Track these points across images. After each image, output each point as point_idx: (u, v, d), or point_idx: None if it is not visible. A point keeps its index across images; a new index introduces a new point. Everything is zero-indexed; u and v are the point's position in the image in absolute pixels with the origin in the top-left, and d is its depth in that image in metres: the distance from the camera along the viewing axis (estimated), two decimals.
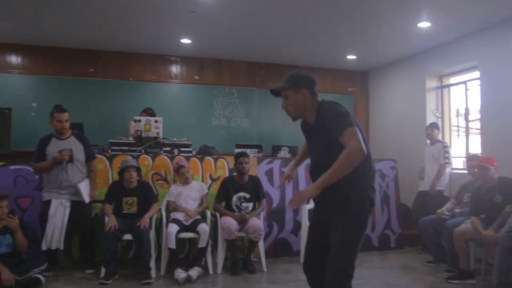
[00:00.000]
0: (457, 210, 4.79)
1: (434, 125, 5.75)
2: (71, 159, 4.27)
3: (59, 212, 4.18)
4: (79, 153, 4.35)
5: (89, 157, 4.45)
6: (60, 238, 4.16)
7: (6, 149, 5.35)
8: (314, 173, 2.39)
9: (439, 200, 5.33)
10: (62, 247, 4.19)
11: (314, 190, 2.13)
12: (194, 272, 4.15)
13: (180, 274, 4.06)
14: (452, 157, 5.77)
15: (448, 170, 5.53)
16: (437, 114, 6.48)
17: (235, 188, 4.67)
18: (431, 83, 6.56)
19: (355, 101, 7.99)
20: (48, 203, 4.21)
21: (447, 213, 4.79)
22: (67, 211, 4.22)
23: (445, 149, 5.48)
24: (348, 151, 2.10)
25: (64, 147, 4.28)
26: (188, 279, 4.08)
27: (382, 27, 5.52)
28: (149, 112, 5.94)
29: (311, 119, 2.40)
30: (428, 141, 5.78)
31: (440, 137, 5.87)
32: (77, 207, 4.27)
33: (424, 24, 5.32)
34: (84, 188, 4.32)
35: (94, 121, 6.23)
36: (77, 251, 4.54)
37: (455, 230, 4.33)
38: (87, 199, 4.31)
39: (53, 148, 4.26)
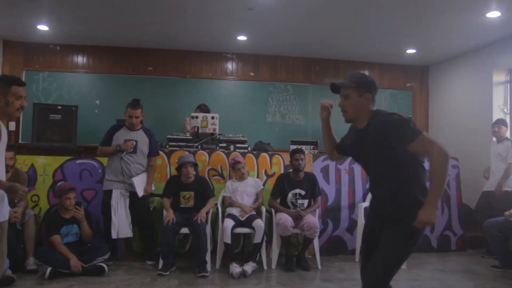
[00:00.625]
0: None
1: (501, 122, 5.41)
2: (134, 150, 4.45)
3: (120, 202, 4.38)
4: (144, 146, 4.52)
5: (152, 153, 4.61)
6: (128, 226, 4.38)
7: (73, 144, 5.67)
8: (374, 183, 2.38)
9: (506, 201, 5.01)
10: (131, 235, 4.41)
11: (433, 212, 2.07)
12: (249, 267, 4.19)
13: (235, 268, 4.11)
14: None
15: None
16: (505, 110, 6.10)
17: (290, 185, 4.65)
18: (499, 77, 6.18)
19: (414, 96, 7.69)
20: (109, 193, 4.41)
21: None
22: (127, 201, 4.41)
23: None
24: (437, 160, 2.05)
25: (132, 138, 4.47)
26: (243, 274, 4.12)
27: (445, 19, 5.27)
28: (203, 108, 6.05)
29: (361, 125, 2.33)
30: (494, 139, 5.45)
31: (508, 135, 5.52)
32: (135, 198, 4.44)
33: (493, 14, 5.01)
34: (140, 182, 4.46)
35: (152, 118, 6.42)
36: (136, 242, 4.72)
37: None
38: (140, 193, 4.43)
39: (121, 136, 4.47)
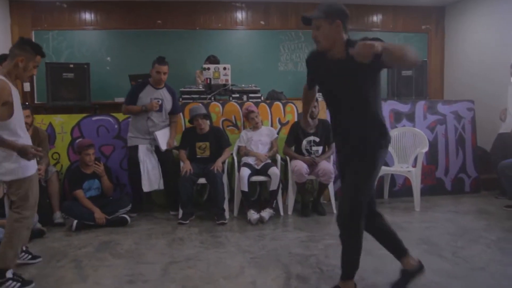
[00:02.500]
0: None
1: None
2: (160, 109, 4.51)
3: (148, 156, 4.49)
4: (168, 104, 4.59)
5: (175, 110, 4.69)
6: (159, 179, 4.52)
7: (88, 102, 5.73)
8: (347, 113, 2.45)
9: None
10: (162, 187, 4.55)
11: (379, 45, 2.05)
12: (266, 213, 4.32)
13: (253, 215, 4.25)
14: None
15: None
16: None
17: (304, 132, 4.67)
18: None
19: (429, 39, 7.48)
20: (134, 148, 4.50)
21: None
22: (154, 154, 4.54)
23: None
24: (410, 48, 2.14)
25: (156, 96, 4.52)
26: (261, 220, 4.26)
27: None
28: (212, 60, 6.00)
29: (338, 54, 2.37)
30: None
31: None
32: (159, 151, 4.54)
33: None
34: (163, 136, 4.55)
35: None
36: (159, 194, 4.85)
37: None
38: (164, 147, 4.53)
39: (146, 95, 4.50)
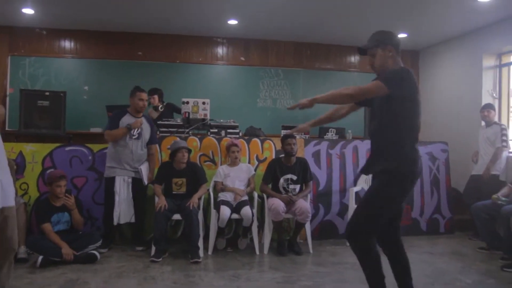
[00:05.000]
0: None
1: (490, 106, 5.46)
2: (139, 136, 4.48)
3: (123, 188, 4.40)
4: (147, 133, 4.57)
5: (153, 140, 4.67)
6: (129, 212, 4.41)
7: (62, 131, 5.60)
8: (373, 135, 2.70)
9: (493, 184, 5.09)
10: (133, 220, 4.44)
11: (308, 100, 2.58)
12: (242, 243, 4.50)
13: (220, 242, 4.53)
14: (510, 140, 5.48)
15: (505, 153, 5.26)
16: (494, 95, 6.15)
17: (282, 170, 4.66)
18: (489, 62, 6.21)
19: None
20: (111, 180, 4.41)
21: (504, 198, 4.56)
22: (130, 186, 4.44)
23: (502, 132, 5.21)
24: (354, 88, 2.52)
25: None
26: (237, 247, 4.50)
27: (437, 2, 5.24)
28: (159, 93, 5.91)
29: None
30: (483, 123, 5.51)
31: (496, 119, 5.58)
32: (137, 184, 4.47)
33: None
34: (145, 170, 4.51)
35: None
36: (128, 228, 4.71)
37: None
38: (146, 181, 4.50)
39: (127, 121, 4.46)
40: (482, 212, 4.71)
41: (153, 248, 4.23)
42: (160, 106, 5.82)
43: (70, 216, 4.18)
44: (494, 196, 4.62)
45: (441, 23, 6.11)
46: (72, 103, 6.23)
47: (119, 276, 3.69)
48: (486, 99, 6.06)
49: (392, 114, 2.55)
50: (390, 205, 2.56)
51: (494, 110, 5.48)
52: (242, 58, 7.14)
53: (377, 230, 2.57)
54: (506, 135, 5.22)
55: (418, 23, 6.15)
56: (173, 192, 4.51)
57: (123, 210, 4.38)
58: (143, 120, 4.57)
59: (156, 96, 5.87)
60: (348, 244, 2.64)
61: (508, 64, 6.12)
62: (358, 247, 2.56)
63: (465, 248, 4.87)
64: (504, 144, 5.19)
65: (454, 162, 5.88)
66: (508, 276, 3.90)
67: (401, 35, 6.73)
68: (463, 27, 6.24)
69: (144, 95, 4.55)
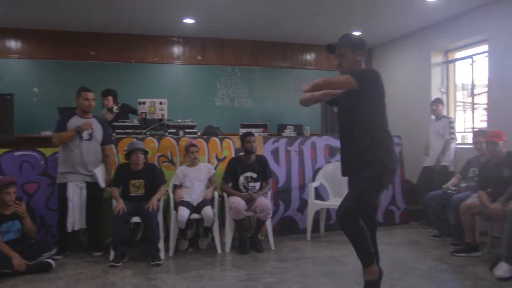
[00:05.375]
0: (463, 185, 4.79)
1: (439, 101, 5.70)
2: (90, 137, 4.33)
3: (76, 194, 4.25)
4: (99, 134, 4.42)
5: (106, 141, 4.52)
6: (82, 218, 4.26)
7: (10, 135, 5.35)
8: (345, 135, 2.92)
9: (444, 175, 5.33)
10: (84, 226, 4.29)
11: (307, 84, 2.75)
12: (203, 243, 4.54)
13: (183, 243, 4.51)
14: (457, 132, 5.75)
15: (453, 145, 5.52)
16: (442, 90, 6.43)
17: (242, 168, 4.67)
18: (437, 58, 6.49)
19: None
20: (63, 186, 4.26)
21: (453, 188, 4.79)
22: (84, 191, 4.29)
23: (450, 125, 5.45)
24: (324, 79, 2.71)
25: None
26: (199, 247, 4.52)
27: (388, 2, 5.42)
28: (114, 94, 5.79)
29: None
30: (433, 117, 5.75)
31: (445, 113, 5.83)
32: (91, 189, 4.33)
33: None
34: (101, 173, 4.38)
35: (97, 105, 6.10)
36: (84, 234, 4.56)
37: (462, 204, 4.34)
38: (103, 184, 4.39)
39: (75, 123, 4.30)
40: (433, 201, 4.92)
41: (112, 253, 4.12)
42: (115, 107, 5.67)
43: (22, 224, 3.98)
44: (445, 185, 4.85)
45: (392, 22, 6.32)
46: (21, 106, 5.97)
47: (76, 283, 3.56)
48: (435, 94, 6.33)
49: (363, 113, 2.74)
50: (379, 193, 2.86)
51: (443, 104, 5.73)
52: (199, 57, 7.08)
53: (364, 212, 2.85)
54: (453, 127, 5.47)
55: (370, 22, 6.33)
56: (131, 194, 4.40)
57: (77, 217, 4.24)
58: (94, 120, 4.42)
59: (110, 98, 5.72)
60: (341, 227, 2.84)
61: (454, 61, 6.41)
62: (351, 229, 2.77)
63: (420, 237, 5.07)
64: (452, 136, 5.44)
65: (407, 155, 6.09)
66: (459, 260, 4.11)
67: (355, 33, 6.89)
68: (413, 26, 6.49)
69: (90, 95, 4.39)
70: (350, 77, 2.66)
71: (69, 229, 4.21)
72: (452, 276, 3.74)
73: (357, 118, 2.80)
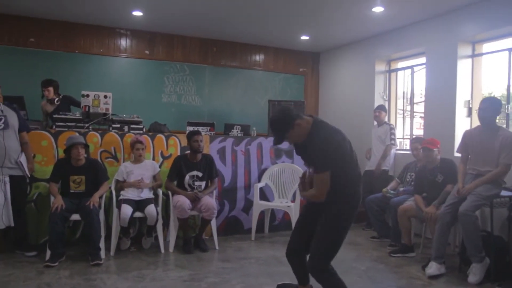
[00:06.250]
0: (401, 189, 5.03)
1: (381, 108, 5.95)
2: (6, 126, 4.01)
3: (0, 190, 3.94)
4: (14, 121, 4.10)
5: (22, 128, 4.21)
6: (9, 215, 3.96)
7: None
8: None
9: (384, 179, 5.58)
10: (13, 224, 3.99)
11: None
12: (146, 242, 4.48)
13: (125, 242, 4.42)
14: (397, 138, 6.03)
15: (393, 150, 5.78)
16: (385, 97, 6.71)
17: (188, 167, 4.61)
18: (380, 67, 6.76)
19: (306, 81, 8.09)
20: None
21: (392, 191, 5.02)
22: (7, 186, 3.98)
23: (391, 131, 5.71)
24: (313, 194, 2.69)
25: None
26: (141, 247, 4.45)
27: (336, 9, 5.56)
28: (55, 85, 5.52)
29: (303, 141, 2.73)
30: (375, 123, 5.98)
31: (386, 119, 6.10)
32: (15, 183, 4.05)
33: (378, 9, 5.43)
34: (24, 162, 4.12)
35: (36, 95, 5.80)
36: (13, 233, 4.25)
37: (400, 207, 4.57)
38: (28, 173, 4.14)
39: None
40: (374, 204, 5.13)
41: (48, 252, 3.92)
42: (56, 99, 5.40)
43: None
44: (384, 189, 5.07)
45: (340, 29, 6.51)
46: None
47: (5, 286, 3.35)
48: (378, 101, 6.60)
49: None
50: (346, 232, 2.75)
51: (385, 111, 5.99)
52: (147, 52, 6.91)
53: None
54: (394, 134, 5.74)
55: (318, 27, 6.48)
56: (71, 191, 4.21)
57: (3, 214, 3.93)
58: (5, 108, 4.08)
59: (51, 88, 5.44)
60: (312, 276, 2.76)
61: (395, 70, 6.72)
62: (324, 277, 2.71)
63: (360, 238, 5.26)
64: (393, 142, 5.70)
65: None
66: (395, 261, 4.33)
67: (304, 37, 7.05)
68: (359, 34, 6.72)
69: None
70: (321, 176, 2.61)
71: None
72: (388, 275, 3.92)
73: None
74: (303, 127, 2.67)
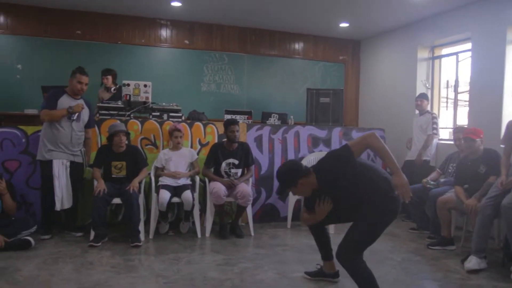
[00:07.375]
0: (442, 180, 4.88)
1: (423, 96, 5.77)
2: (78, 118, 4.31)
3: (61, 172, 4.20)
4: (85, 116, 4.41)
5: (90, 124, 4.52)
6: (69, 196, 4.25)
7: None
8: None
9: (424, 169, 5.43)
10: (71, 205, 4.28)
11: (401, 176, 2.74)
12: (184, 226, 4.62)
13: (163, 226, 4.57)
14: (440, 128, 5.83)
15: (435, 140, 5.61)
16: (427, 85, 6.50)
17: (224, 155, 4.68)
18: (423, 54, 6.54)
19: (346, 69, 7.95)
20: (48, 164, 4.19)
21: (432, 182, 4.88)
22: (68, 171, 4.26)
23: (433, 120, 5.53)
24: (370, 141, 2.88)
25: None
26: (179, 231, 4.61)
27: None
28: (113, 74, 5.80)
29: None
30: (417, 112, 5.81)
31: (429, 108, 5.91)
32: (75, 168, 4.32)
33: None
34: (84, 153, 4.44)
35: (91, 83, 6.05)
36: (63, 214, 4.52)
37: (439, 199, 4.43)
38: (87, 163, 4.47)
39: (66, 102, 4.25)
40: (413, 195, 4.95)
41: (92, 233, 4.13)
42: (113, 87, 5.63)
43: (1, 201, 3.97)
44: (424, 180, 4.93)
45: (380, 15, 6.34)
46: (4, 83, 5.90)
47: (54, 262, 3.57)
48: (420, 89, 6.40)
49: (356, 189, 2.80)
50: (379, 233, 2.87)
51: (427, 99, 5.80)
52: (187, 41, 7.03)
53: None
54: (436, 123, 5.55)
55: (359, 14, 6.34)
56: (113, 176, 4.41)
57: (65, 195, 4.21)
58: (82, 102, 4.38)
59: (109, 77, 5.72)
60: (339, 262, 2.85)
61: (439, 57, 6.48)
62: (349, 266, 2.80)
63: (398, 229, 5.16)
64: (435, 131, 5.52)
65: (390, 148, 6.04)
66: (433, 253, 4.22)
67: (343, 25, 6.92)
68: (401, 20, 6.52)
69: (85, 79, 4.30)
70: (325, 205, 2.91)
71: (58, 207, 4.16)
72: (424, 267, 3.83)
73: (354, 196, 2.86)
74: (309, 183, 2.81)
